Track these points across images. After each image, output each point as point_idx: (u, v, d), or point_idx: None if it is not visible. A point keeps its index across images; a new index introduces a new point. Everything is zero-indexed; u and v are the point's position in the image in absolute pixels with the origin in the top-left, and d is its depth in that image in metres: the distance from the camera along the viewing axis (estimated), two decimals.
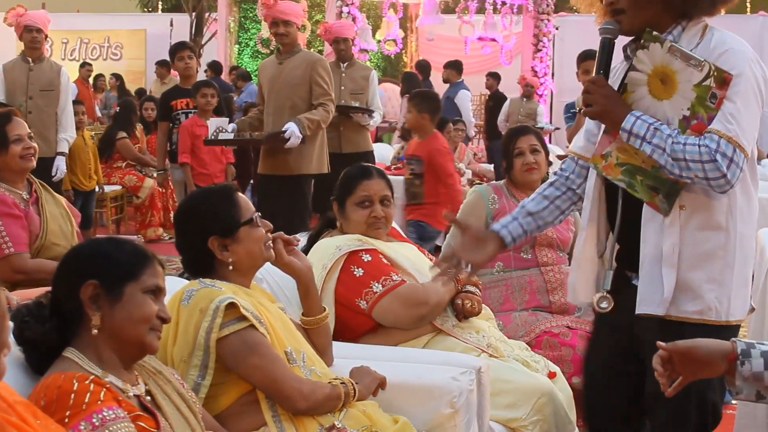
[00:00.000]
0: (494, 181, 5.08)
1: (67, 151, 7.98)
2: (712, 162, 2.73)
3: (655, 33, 2.84)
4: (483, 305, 3.90)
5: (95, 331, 2.34)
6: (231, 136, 7.02)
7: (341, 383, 2.92)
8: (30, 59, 8.05)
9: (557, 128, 14.09)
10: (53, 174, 7.66)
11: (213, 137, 7.09)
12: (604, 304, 2.98)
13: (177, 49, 8.87)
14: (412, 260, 3.80)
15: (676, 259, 2.84)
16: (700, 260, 2.85)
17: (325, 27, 9.34)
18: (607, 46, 2.94)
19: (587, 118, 3.11)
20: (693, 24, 2.92)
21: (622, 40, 3.02)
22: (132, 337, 2.38)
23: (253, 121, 7.21)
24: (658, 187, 2.85)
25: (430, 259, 3.91)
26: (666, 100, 2.84)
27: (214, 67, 16.01)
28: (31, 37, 8.05)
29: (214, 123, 7.24)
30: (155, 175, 10.08)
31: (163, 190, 10.50)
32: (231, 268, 2.98)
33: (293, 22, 6.91)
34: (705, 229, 2.85)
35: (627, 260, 3.02)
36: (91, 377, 2.27)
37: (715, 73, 2.74)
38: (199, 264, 3.04)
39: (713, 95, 2.76)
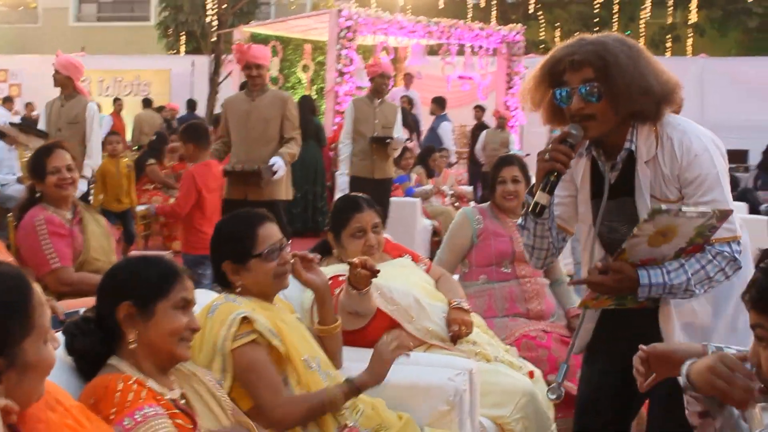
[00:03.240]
0: (480, 204, 5.05)
1: (89, 175, 7.73)
2: (732, 261, 2.69)
3: (663, 208, 2.58)
4: (473, 313, 3.86)
5: (132, 346, 2.31)
6: (228, 167, 6.93)
7: (332, 390, 2.85)
8: (63, 96, 7.90)
9: (528, 154, 14.10)
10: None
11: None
12: (553, 396, 2.86)
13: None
14: (397, 280, 3.70)
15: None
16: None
17: (375, 61, 9.25)
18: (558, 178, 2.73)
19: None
20: (642, 126, 2.78)
21: None
22: (165, 348, 2.36)
23: (220, 153, 7.13)
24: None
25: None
26: (664, 245, 2.67)
27: (190, 104, 16.16)
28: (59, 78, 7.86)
29: None
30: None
31: None
32: (238, 290, 2.95)
33: (264, 65, 6.91)
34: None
35: None
36: (134, 378, 2.25)
37: (718, 214, 2.59)
38: (221, 280, 3.01)
39: (711, 228, 2.63)
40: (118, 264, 2.53)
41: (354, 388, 2.86)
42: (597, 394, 3.00)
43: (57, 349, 1.83)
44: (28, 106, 18.44)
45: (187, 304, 2.40)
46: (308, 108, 12.04)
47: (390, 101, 9.11)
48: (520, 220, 3.01)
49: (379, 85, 8.70)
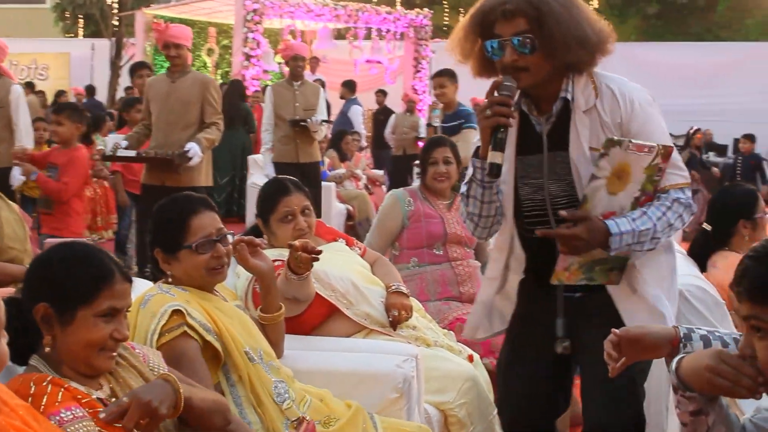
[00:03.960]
0: (411, 186, 4.98)
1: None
2: (688, 207, 2.67)
3: (615, 138, 2.54)
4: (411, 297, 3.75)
5: (47, 349, 2.09)
6: (130, 152, 6.69)
7: None
8: None
9: None
10: (11, 183, 7.09)
11: (111, 153, 6.79)
12: (560, 349, 2.74)
13: (137, 67, 9.02)
14: (334, 265, 3.54)
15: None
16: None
17: (287, 45, 9.12)
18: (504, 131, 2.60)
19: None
20: (578, 77, 2.68)
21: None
22: (81, 358, 2.10)
23: (141, 136, 6.86)
24: (613, 266, 2.69)
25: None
26: (621, 192, 2.61)
27: (89, 90, 15.84)
28: None
29: (111, 140, 7.02)
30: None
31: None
32: (170, 281, 2.77)
33: (184, 45, 6.60)
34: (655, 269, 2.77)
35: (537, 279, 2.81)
36: (49, 378, 2.02)
37: (662, 150, 2.56)
38: (155, 268, 2.81)
39: (659, 170, 2.60)
40: (47, 255, 2.20)
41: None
42: (529, 389, 2.86)
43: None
44: None
45: (114, 312, 2.13)
46: (237, 93, 11.85)
47: (311, 83, 8.91)
48: (463, 189, 2.85)
49: (294, 68, 8.51)
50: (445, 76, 7.76)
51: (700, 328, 2.13)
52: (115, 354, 2.17)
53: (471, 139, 7.25)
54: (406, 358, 3.15)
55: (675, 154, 2.63)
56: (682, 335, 2.10)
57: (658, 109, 2.73)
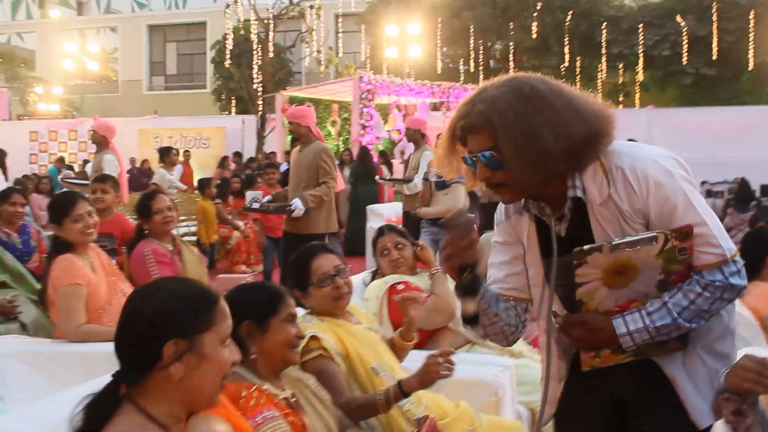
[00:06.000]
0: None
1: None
2: (729, 288, 1.88)
3: (586, 248, 1.83)
4: None
5: (253, 356, 2.26)
6: (256, 206, 7.00)
7: (381, 394, 2.58)
8: (96, 151, 7.74)
9: None
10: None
11: (248, 206, 7.10)
12: None
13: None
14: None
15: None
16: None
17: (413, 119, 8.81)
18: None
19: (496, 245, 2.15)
20: (588, 167, 1.90)
21: None
22: (279, 356, 2.31)
23: (286, 193, 7.04)
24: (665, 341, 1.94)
25: None
26: (633, 282, 1.88)
27: (237, 155, 16.16)
28: (96, 137, 7.65)
29: (250, 195, 7.25)
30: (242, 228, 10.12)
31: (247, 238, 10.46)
32: (309, 312, 2.84)
33: (296, 122, 6.66)
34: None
35: None
36: (255, 386, 2.19)
37: (674, 235, 1.83)
38: (299, 303, 2.79)
39: (681, 250, 1.85)
40: (233, 291, 2.40)
41: (402, 391, 2.57)
42: None
43: (237, 362, 1.77)
44: None
45: (293, 318, 2.36)
46: (367, 155, 12.02)
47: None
48: None
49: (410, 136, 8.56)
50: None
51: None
52: (298, 350, 2.36)
53: (460, 192, 7.13)
54: (502, 368, 3.20)
55: (703, 229, 1.86)
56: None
57: (682, 171, 1.91)
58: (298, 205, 6.45)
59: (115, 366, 1.71)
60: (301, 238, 6.49)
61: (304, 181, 6.61)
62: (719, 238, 1.87)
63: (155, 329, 1.65)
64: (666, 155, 1.93)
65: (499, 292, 2.10)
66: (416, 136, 8.26)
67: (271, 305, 2.32)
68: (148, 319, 1.66)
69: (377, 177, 10.13)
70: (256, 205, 7.00)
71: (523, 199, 2.00)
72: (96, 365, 1.84)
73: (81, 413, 1.65)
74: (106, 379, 1.71)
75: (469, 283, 1.97)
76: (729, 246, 1.88)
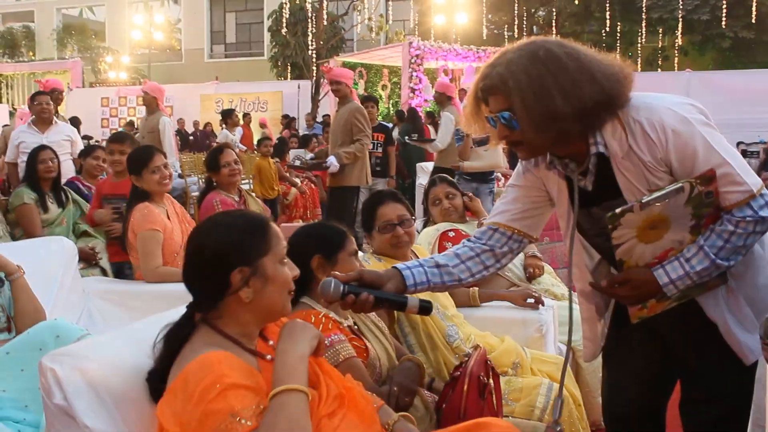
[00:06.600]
0: None
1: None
2: (760, 221, 1.83)
3: (618, 211, 1.82)
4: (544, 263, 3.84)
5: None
6: (297, 162, 7.20)
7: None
8: (147, 112, 7.72)
9: None
10: None
11: (291, 163, 7.24)
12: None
13: (363, 100, 8.28)
14: None
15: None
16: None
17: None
18: None
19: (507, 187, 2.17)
20: (607, 124, 1.87)
21: None
22: None
23: (327, 151, 7.08)
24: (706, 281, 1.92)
25: None
26: (667, 233, 1.86)
27: (287, 118, 16.37)
28: (147, 98, 7.62)
29: (293, 153, 7.36)
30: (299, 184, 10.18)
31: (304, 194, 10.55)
32: (372, 251, 2.88)
33: (342, 82, 6.65)
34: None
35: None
36: (322, 313, 2.26)
37: (698, 181, 1.80)
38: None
39: (708, 194, 1.82)
40: (300, 230, 2.47)
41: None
42: (627, 380, 2.19)
43: (295, 278, 1.80)
44: (179, 121, 18.83)
45: (356, 253, 2.43)
46: (416, 116, 11.94)
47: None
48: None
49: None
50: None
51: None
52: None
53: (498, 147, 6.99)
54: (547, 307, 3.22)
55: (726, 169, 1.81)
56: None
57: (699, 116, 1.86)
58: (332, 162, 6.52)
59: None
60: (336, 190, 6.67)
61: (339, 138, 6.63)
62: (743, 175, 1.83)
63: (221, 260, 1.70)
64: (682, 102, 1.88)
65: (502, 222, 2.14)
66: (442, 99, 8.15)
67: (339, 240, 2.38)
68: (213, 252, 1.71)
69: (406, 138, 10.06)
70: (297, 162, 7.15)
71: (548, 156, 2.00)
72: (172, 303, 1.90)
73: (162, 339, 1.74)
74: (182, 310, 1.79)
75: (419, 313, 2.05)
76: (754, 181, 1.85)
